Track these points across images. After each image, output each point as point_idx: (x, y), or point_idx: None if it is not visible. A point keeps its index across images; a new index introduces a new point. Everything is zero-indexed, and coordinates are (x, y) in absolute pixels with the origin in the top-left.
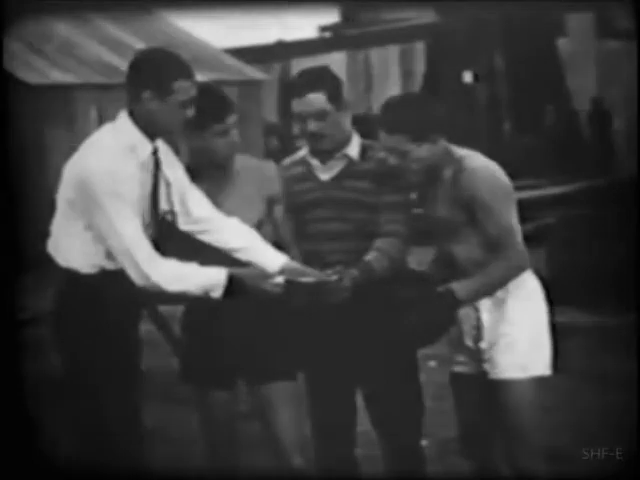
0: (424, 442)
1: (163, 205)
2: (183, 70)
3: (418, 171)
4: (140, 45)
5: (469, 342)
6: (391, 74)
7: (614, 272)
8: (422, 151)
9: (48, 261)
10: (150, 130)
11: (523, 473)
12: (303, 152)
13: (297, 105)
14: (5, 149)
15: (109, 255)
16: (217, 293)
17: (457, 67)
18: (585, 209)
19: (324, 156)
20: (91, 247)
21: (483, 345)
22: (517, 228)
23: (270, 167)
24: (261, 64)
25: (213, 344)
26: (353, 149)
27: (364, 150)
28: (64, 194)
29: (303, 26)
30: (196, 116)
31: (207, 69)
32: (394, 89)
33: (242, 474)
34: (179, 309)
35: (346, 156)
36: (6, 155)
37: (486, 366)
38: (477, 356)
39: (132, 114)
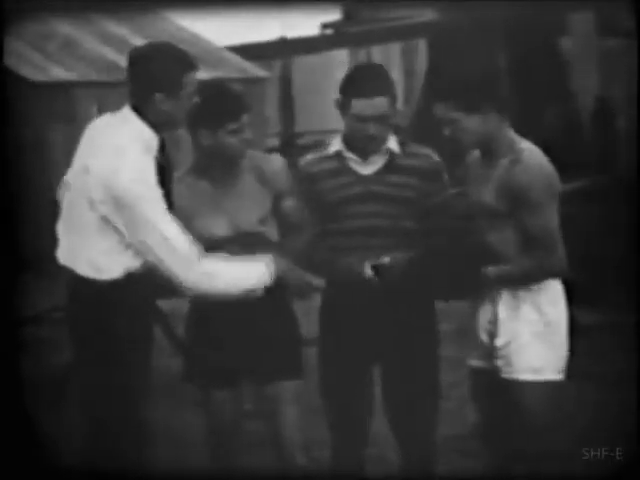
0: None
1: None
2: (188, 62)
3: (468, 144)
4: (141, 42)
5: (484, 336)
6: (393, 72)
7: (615, 271)
8: (471, 121)
9: (48, 260)
10: (159, 125)
11: (531, 472)
12: (335, 147)
13: (361, 106)
14: (5, 147)
15: (137, 256)
16: (258, 293)
17: (459, 65)
18: (586, 207)
19: (363, 151)
20: (121, 254)
21: (498, 342)
22: (559, 233)
23: (277, 161)
24: (263, 61)
25: (217, 343)
26: (393, 143)
27: (402, 145)
28: (95, 208)
29: (305, 24)
30: (211, 115)
31: (209, 67)
32: (396, 87)
33: (246, 473)
34: (182, 309)
35: (388, 150)
36: (6, 153)
37: (500, 363)
38: (491, 352)
39: (136, 109)
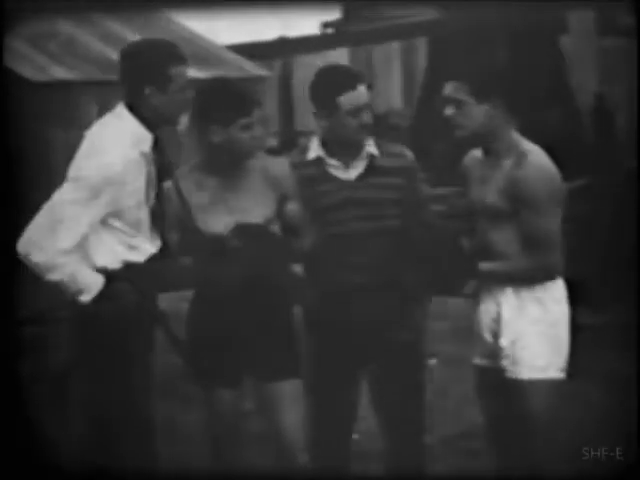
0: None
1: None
2: (175, 55)
3: (467, 133)
4: None
5: (487, 336)
6: (393, 71)
7: (614, 271)
8: (478, 110)
9: None
10: (154, 122)
11: (532, 471)
12: (315, 152)
13: (353, 97)
14: (5, 146)
15: (131, 248)
16: (86, 297)
17: (459, 64)
18: (586, 206)
19: (343, 156)
20: (115, 244)
21: (503, 342)
22: (559, 236)
23: (283, 164)
24: (263, 61)
25: (218, 342)
26: (372, 147)
27: (378, 146)
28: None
29: (305, 23)
30: (223, 110)
31: (209, 66)
32: (396, 86)
33: (247, 472)
34: (182, 308)
35: (369, 154)
36: (6, 153)
37: (505, 362)
38: (495, 351)
39: (131, 107)
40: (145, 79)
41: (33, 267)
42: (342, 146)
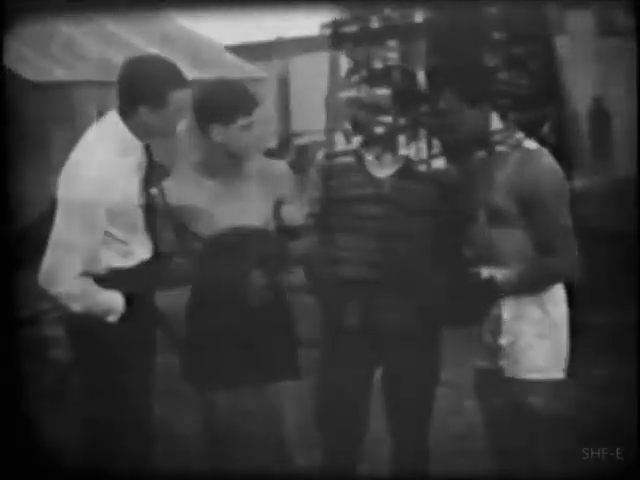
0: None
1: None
2: (177, 80)
3: (467, 137)
4: (141, 42)
5: (487, 336)
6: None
7: (614, 272)
8: (469, 115)
9: None
10: (144, 135)
11: (533, 472)
12: (354, 144)
13: (362, 92)
14: (5, 146)
15: (125, 254)
16: (113, 318)
17: (457, 64)
18: (584, 208)
19: (379, 153)
20: (108, 255)
21: (502, 342)
22: (572, 234)
23: (281, 167)
24: (261, 62)
25: (217, 343)
26: (410, 149)
27: (423, 153)
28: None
29: (304, 24)
30: (225, 109)
31: (207, 66)
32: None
33: (246, 472)
34: (180, 308)
35: (406, 156)
36: (6, 153)
37: (504, 362)
38: (495, 352)
39: (124, 117)
40: (141, 99)
41: (56, 300)
42: (380, 143)
